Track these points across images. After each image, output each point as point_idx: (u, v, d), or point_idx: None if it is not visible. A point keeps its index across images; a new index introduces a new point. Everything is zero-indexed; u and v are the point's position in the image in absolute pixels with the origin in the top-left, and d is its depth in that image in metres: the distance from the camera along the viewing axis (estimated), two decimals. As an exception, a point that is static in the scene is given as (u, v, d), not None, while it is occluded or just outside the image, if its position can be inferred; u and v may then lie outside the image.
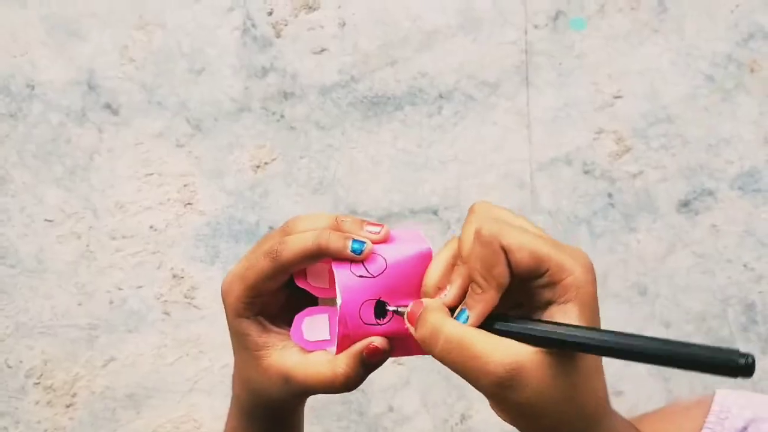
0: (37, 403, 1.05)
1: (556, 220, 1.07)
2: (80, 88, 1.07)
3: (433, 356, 0.42)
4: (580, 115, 1.11)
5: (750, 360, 0.34)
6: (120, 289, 1.06)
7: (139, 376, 1.06)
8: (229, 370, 1.07)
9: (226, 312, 0.50)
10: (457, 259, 0.44)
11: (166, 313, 1.06)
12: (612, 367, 1.08)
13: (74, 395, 1.06)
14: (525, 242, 0.40)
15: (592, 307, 0.41)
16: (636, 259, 1.10)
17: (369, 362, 0.46)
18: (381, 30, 1.10)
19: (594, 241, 1.09)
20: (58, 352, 1.06)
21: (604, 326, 0.41)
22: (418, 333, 0.43)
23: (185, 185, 1.08)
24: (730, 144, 1.11)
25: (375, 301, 0.45)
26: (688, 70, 1.11)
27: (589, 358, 0.41)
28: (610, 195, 1.10)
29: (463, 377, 0.42)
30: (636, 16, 1.11)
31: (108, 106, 1.08)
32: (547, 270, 0.40)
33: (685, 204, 1.11)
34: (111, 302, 1.06)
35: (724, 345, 1.06)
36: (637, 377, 1.09)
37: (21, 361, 1.05)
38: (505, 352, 0.39)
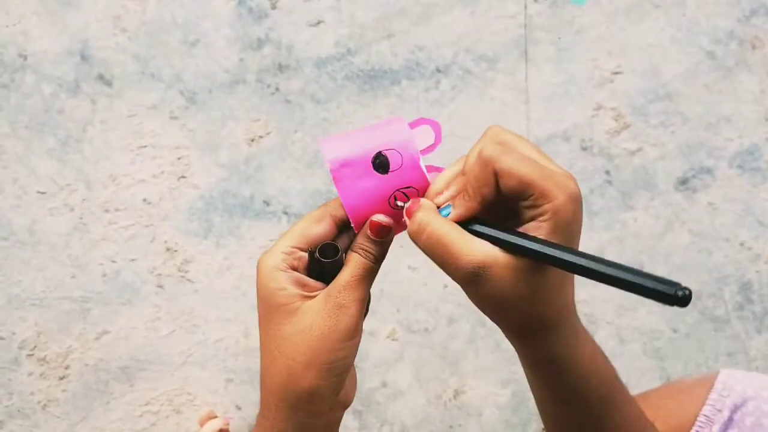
0: (30, 374, 1.05)
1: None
2: (73, 59, 1.06)
3: (418, 246, 0.48)
4: (578, 91, 1.09)
5: (687, 293, 0.39)
6: (113, 261, 1.06)
7: (132, 348, 1.06)
8: (223, 344, 1.08)
9: (259, 280, 0.51)
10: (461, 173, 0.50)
11: (160, 286, 1.06)
12: (606, 345, 1.08)
13: (67, 367, 1.05)
14: (516, 169, 0.45)
15: (565, 230, 0.45)
16: (633, 237, 1.09)
17: (378, 239, 0.50)
18: (378, 2, 1.08)
19: (591, 218, 1.08)
20: (51, 325, 1.05)
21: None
22: (409, 227, 0.49)
23: (179, 158, 1.07)
24: (730, 122, 1.10)
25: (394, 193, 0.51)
26: (689, 46, 1.10)
27: (553, 273, 0.46)
28: (607, 172, 1.09)
29: (440, 268, 0.48)
30: (637, -9, 1.09)
31: (101, 77, 1.06)
32: (532, 194, 0.45)
33: (683, 182, 1.10)
34: (104, 275, 1.06)
35: (717, 320, 1.04)
36: (631, 355, 1.09)
37: (14, 333, 1.05)
38: (475, 251, 0.46)
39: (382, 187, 0.50)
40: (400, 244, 1.14)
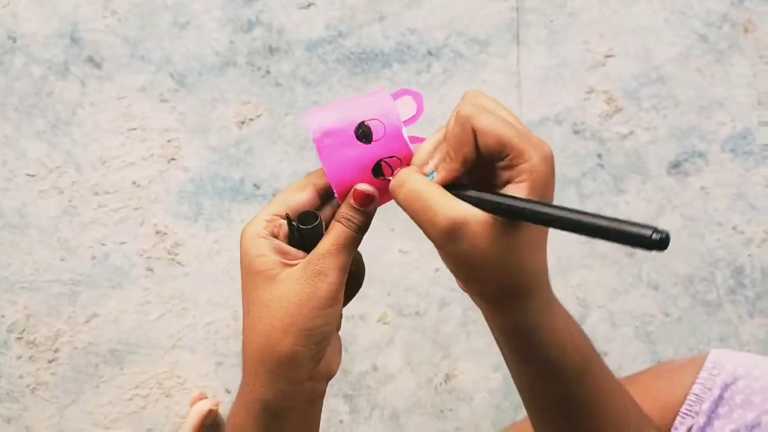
0: (19, 357, 1.05)
1: (545, 180, 1.05)
2: (63, 41, 1.06)
3: (397, 203, 0.49)
4: (571, 74, 1.09)
5: (663, 235, 0.38)
6: (103, 244, 1.05)
7: (122, 332, 1.06)
8: (213, 327, 1.07)
9: (241, 248, 0.51)
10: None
11: (150, 270, 1.06)
12: (598, 329, 1.07)
13: (57, 350, 1.05)
14: (493, 127, 0.46)
15: (540, 190, 0.46)
16: (624, 220, 1.08)
17: (361, 208, 0.51)
18: (369, -16, 1.08)
19: (582, 202, 1.08)
20: (40, 308, 1.05)
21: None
22: (391, 182, 0.49)
23: (169, 141, 1.06)
24: (723, 106, 1.10)
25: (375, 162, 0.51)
26: (681, 29, 1.10)
27: (530, 233, 0.47)
28: (599, 156, 1.09)
29: (417, 224, 0.48)
30: (630, -26, 1.09)
31: (91, 59, 1.06)
32: (508, 154, 0.46)
33: (675, 166, 1.10)
34: (93, 258, 1.05)
35: (709, 304, 1.04)
36: (623, 339, 1.08)
37: (3, 316, 1.04)
38: (453, 209, 0.46)
39: (365, 156, 0.51)
40: (391, 227, 1.14)
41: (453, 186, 0.48)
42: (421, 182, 0.48)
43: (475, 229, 0.46)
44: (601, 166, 1.09)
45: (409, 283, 1.07)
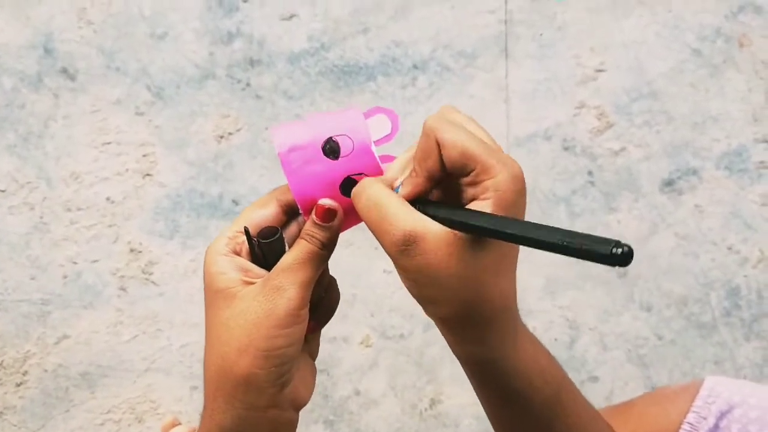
0: (-15, 381, 1.00)
1: (533, 197, 1.02)
2: (36, 52, 1.02)
3: (357, 211, 0.47)
4: (560, 88, 1.06)
5: (624, 250, 0.36)
6: (74, 263, 1.01)
7: (93, 354, 1.01)
8: (188, 350, 1.03)
9: (204, 266, 0.48)
10: None
11: (123, 289, 1.02)
12: (589, 352, 1.04)
13: (25, 373, 1.01)
14: (459, 141, 0.44)
15: (507, 209, 0.43)
16: (616, 239, 1.05)
17: (324, 223, 0.48)
18: (353, -4, 1.05)
19: (573, 220, 1.04)
20: (8, 328, 1.01)
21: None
22: (354, 190, 0.47)
23: (144, 155, 1.03)
24: (717, 121, 1.07)
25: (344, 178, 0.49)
26: (674, 43, 1.07)
27: (493, 253, 0.44)
28: (590, 173, 1.06)
29: (373, 234, 0.45)
30: (621, -14, 1.06)
31: (64, 71, 1.02)
32: (474, 169, 0.43)
33: (668, 183, 1.06)
34: (65, 276, 1.01)
35: (703, 327, 1.00)
36: (614, 363, 1.05)
37: (-31, 337, 1.00)
38: (410, 220, 0.43)
39: (332, 172, 0.49)
40: (375, 245, 1.10)
41: (418, 201, 0.46)
42: (381, 191, 0.45)
43: (430, 244, 0.43)
44: (592, 183, 1.06)
45: (393, 304, 1.03)
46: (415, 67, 1.05)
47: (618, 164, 1.06)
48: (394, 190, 0.47)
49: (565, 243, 0.39)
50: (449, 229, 0.43)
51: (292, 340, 0.46)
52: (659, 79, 1.06)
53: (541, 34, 1.06)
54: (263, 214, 0.48)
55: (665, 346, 1.05)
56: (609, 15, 1.06)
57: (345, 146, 0.49)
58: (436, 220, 0.44)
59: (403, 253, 0.43)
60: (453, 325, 0.47)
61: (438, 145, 0.44)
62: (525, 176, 0.45)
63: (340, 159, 0.48)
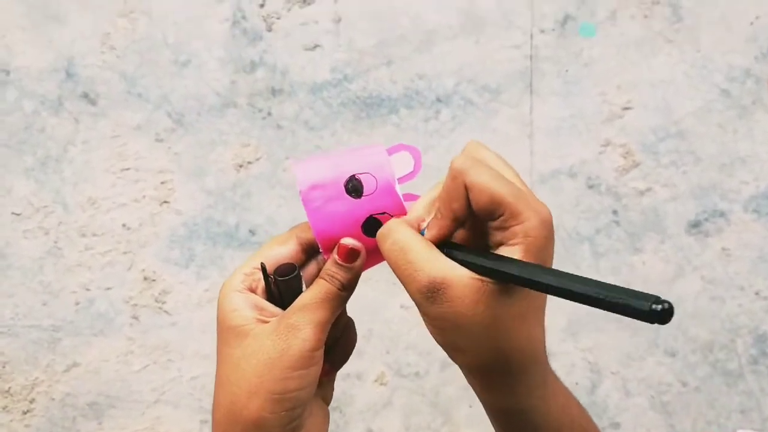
0: (-8, 407, 0.98)
1: (557, 236, 1.00)
2: (58, 76, 1.02)
3: (383, 253, 0.45)
4: (586, 126, 1.04)
5: (664, 306, 0.35)
6: (87, 289, 1.00)
7: (102, 383, 0.99)
8: (199, 382, 1.01)
9: (218, 302, 0.47)
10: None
11: (135, 318, 1.00)
12: (611, 398, 1.00)
13: (32, 401, 0.99)
14: (487, 184, 0.42)
15: (536, 255, 0.42)
16: (641, 281, 1.02)
17: (346, 264, 0.47)
18: (378, 27, 1.04)
19: (596, 260, 1.02)
20: (18, 354, 0.99)
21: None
22: (378, 233, 0.46)
23: (163, 182, 1.01)
24: (746, 163, 1.04)
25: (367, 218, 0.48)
26: (702, 83, 1.05)
27: (523, 301, 0.42)
28: (615, 212, 1.03)
29: (399, 279, 0.44)
30: (649, 25, 1.04)
31: (85, 96, 1.02)
32: (502, 214, 0.42)
33: (695, 225, 1.04)
34: (77, 303, 1.00)
35: (729, 374, 0.97)
36: (637, 410, 1.01)
37: (-23, 362, 0.98)
38: (436, 267, 0.42)
39: (354, 211, 0.48)
40: (393, 281, 1.08)
41: (444, 244, 0.44)
42: (407, 234, 0.44)
43: (457, 291, 0.42)
44: (617, 223, 1.03)
45: (409, 341, 1.00)
46: (438, 100, 1.04)
47: (644, 204, 1.03)
48: (420, 232, 0.45)
49: (601, 296, 0.37)
50: (477, 276, 0.42)
51: (305, 382, 0.44)
52: (687, 118, 1.04)
53: (566, 71, 1.04)
54: (282, 251, 0.47)
55: (689, 394, 1.02)
56: (636, 53, 1.05)
57: (368, 184, 0.48)
58: (462, 265, 0.42)
59: (428, 299, 0.42)
60: (481, 374, 0.45)
61: (466, 188, 0.43)
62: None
63: (362, 198, 0.47)
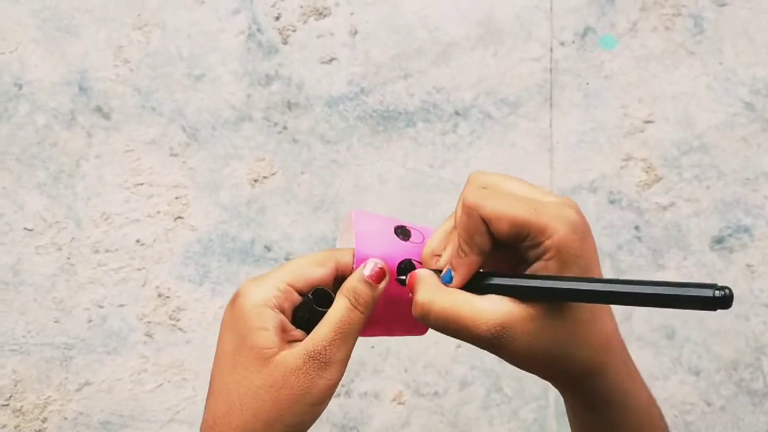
0: (3, 426, 0.97)
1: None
2: (71, 89, 1.00)
3: (432, 329, 0.45)
4: (607, 140, 1.02)
5: (726, 292, 0.35)
6: (100, 306, 0.98)
7: (115, 402, 0.97)
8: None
9: (238, 310, 0.45)
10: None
11: (149, 335, 0.98)
12: (633, 416, 0.98)
13: (45, 420, 0.97)
14: (503, 212, 0.42)
15: (575, 263, 0.42)
16: (663, 298, 1.00)
17: (374, 282, 0.46)
18: (395, 40, 1.02)
19: (618, 276, 1.00)
20: (30, 373, 0.97)
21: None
22: (413, 311, 0.45)
23: (177, 197, 1.00)
24: (770, 178, 1.02)
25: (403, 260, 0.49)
26: (725, 96, 1.03)
27: (579, 310, 0.42)
28: (637, 228, 1.01)
29: (462, 341, 0.44)
30: (670, 37, 1.03)
31: (99, 110, 1.00)
32: (528, 234, 0.42)
33: (718, 241, 1.02)
34: (90, 320, 0.98)
35: (755, 393, 0.95)
36: None
37: (-11, 381, 0.97)
38: (489, 315, 0.42)
39: (397, 248, 0.48)
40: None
41: (478, 277, 0.44)
42: (446, 301, 0.43)
43: (518, 329, 0.42)
44: (639, 238, 1.01)
45: (428, 360, 0.99)
46: (456, 113, 1.02)
47: (666, 219, 1.02)
48: (443, 273, 0.45)
49: (660, 293, 0.37)
50: (528, 305, 0.41)
51: (317, 415, 0.45)
52: (709, 132, 1.03)
53: (587, 84, 1.03)
54: (318, 272, 0.46)
55: (714, 413, 1.00)
56: (658, 65, 1.03)
57: (415, 236, 0.49)
58: (506, 294, 0.42)
59: (496, 347, 0.42)
60: (567, 382, 0.46)
61: (484, 221, 0.43)
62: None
63: (408, 241, 0.48)
